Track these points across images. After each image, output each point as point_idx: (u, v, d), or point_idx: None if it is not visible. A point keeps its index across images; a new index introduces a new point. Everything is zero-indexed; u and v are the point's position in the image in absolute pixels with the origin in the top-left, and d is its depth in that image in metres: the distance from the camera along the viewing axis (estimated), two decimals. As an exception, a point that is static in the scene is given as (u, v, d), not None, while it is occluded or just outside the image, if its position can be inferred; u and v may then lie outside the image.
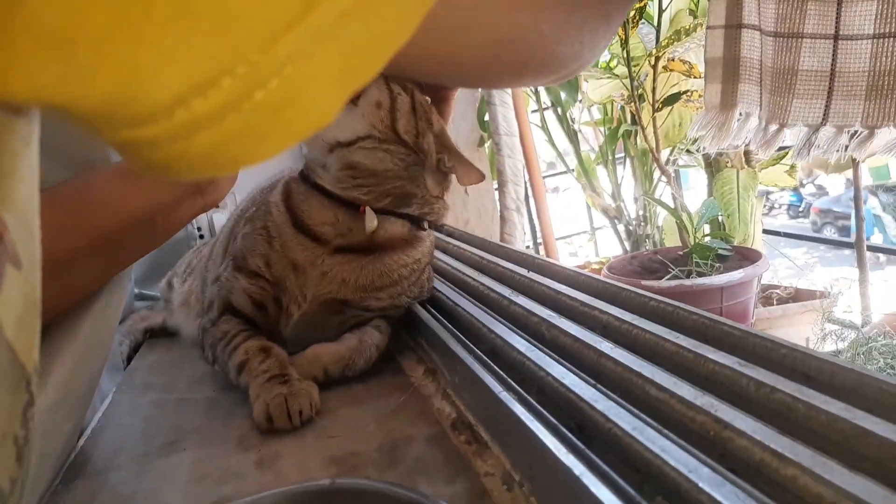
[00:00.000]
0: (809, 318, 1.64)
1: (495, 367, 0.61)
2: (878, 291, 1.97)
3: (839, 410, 0.41)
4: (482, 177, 0.81)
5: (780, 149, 1.72)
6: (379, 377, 0.77)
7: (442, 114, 0.80)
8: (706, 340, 0.57)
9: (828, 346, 1.53)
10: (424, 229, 0.82)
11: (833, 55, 0.79)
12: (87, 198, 0.60)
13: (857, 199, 1.43)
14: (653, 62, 1.41)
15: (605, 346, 0.59)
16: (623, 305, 0.69)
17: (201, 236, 1.38)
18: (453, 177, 0.81)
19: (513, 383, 0.56)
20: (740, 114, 0.96)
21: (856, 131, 0.85)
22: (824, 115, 0.83)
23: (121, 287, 0.68)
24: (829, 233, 5.20)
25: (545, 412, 0.50)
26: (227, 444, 0.65)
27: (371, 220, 0.76)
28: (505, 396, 0.53)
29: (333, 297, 0.78)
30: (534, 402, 0.52)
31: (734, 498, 0.35)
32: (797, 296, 1.93)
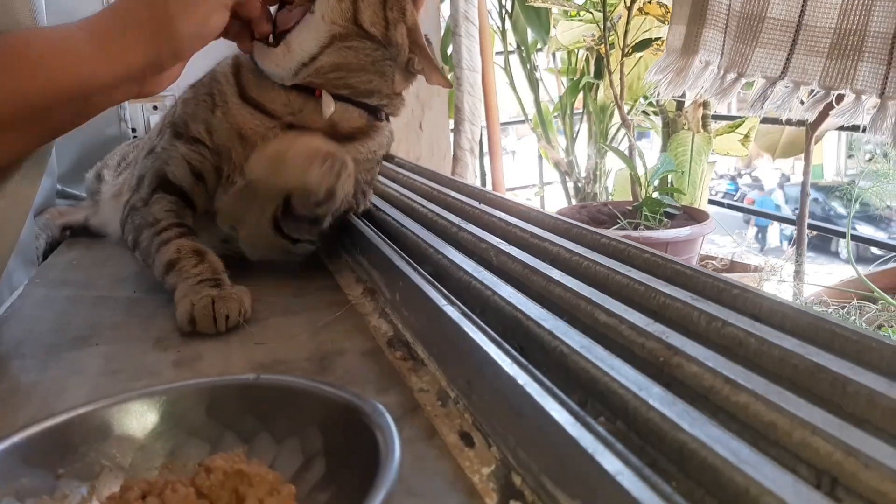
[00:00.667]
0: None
1: (440, 286, 0.58)
2: (809, 273, 2.01)
3: (793, 346, 0.40)
4: (449, 84, 0.79)
5: (736, 118, 1.73)
6: (315, 293, 0.73)
7: (414, 3, 0.76)
8: (658, 277, 0.55)
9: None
10: (381, 119, 0.79)
11: (802, 5, 0.77)
12: (21, 59, 0.53)
13: (805, 176, 1.45)
14: (628, 3, 1.37)
15: (555, 274, 0.56)
16: (574, 241, 0.67)
17: (135, 137, 1.29)
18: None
19: (457, 301, 0.53)
20: (700, 61, 0.93)
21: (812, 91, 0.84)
22: (784, 68, 0.81)
23: (39, 164, 0.61)
24: (759, 224, 5.43)
25: (489, 329, 0.48)
26: (145, 343, 0.61)
27: (328, 105, 0.72)
28: (449, 310, 0.50)
29: None
30: (477, 319, 0.49)
31: (686, 416, 0.33)
32: (732, 268, 1.96)
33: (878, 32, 0.77)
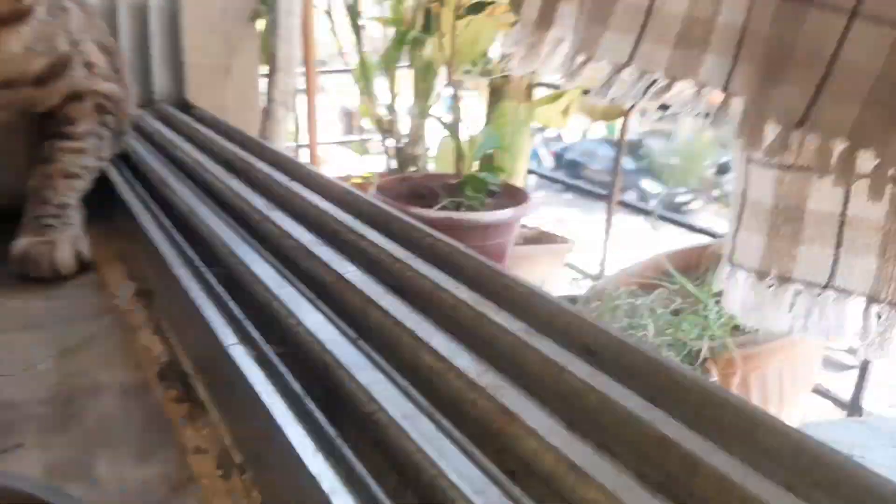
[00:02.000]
0: (550, 260, 1.70)
1: (229, 302, 0.47)
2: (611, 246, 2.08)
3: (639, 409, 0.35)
4: None
5: (556, 87, 1.73)
6: (69, 292, 0.58)
7: None
8: (488, 295, 0.49)
9: (566, 290, 1.61)
10: None
11: (653, -11, 0.73)
12: None
13: (618, 152, 1.48)
14: (463, -39, 1.29)
15: (375, 291, 0.48)
16: (397, 237, 0.59)
17: None
18: None
19: (249, 329, 0.43)
20: (554, 38, 0.87)
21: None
22: (631, 54, 0.78)
23: None
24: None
25: (287, 374, 0.38)
26: None
27: None
28: (236, 350, 0.40)
29: None
30: (273, 359, 0.39)
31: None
32: (540, 237, 1.99)
33: (728, 24, 0.75)
